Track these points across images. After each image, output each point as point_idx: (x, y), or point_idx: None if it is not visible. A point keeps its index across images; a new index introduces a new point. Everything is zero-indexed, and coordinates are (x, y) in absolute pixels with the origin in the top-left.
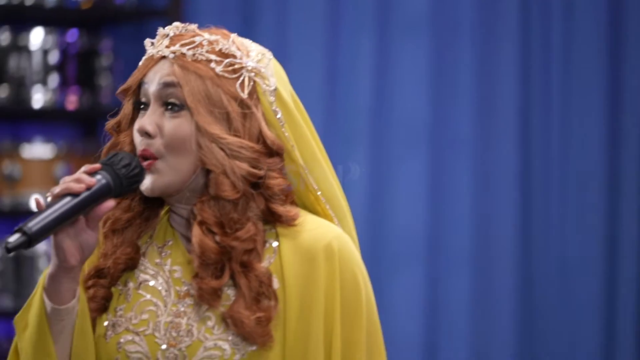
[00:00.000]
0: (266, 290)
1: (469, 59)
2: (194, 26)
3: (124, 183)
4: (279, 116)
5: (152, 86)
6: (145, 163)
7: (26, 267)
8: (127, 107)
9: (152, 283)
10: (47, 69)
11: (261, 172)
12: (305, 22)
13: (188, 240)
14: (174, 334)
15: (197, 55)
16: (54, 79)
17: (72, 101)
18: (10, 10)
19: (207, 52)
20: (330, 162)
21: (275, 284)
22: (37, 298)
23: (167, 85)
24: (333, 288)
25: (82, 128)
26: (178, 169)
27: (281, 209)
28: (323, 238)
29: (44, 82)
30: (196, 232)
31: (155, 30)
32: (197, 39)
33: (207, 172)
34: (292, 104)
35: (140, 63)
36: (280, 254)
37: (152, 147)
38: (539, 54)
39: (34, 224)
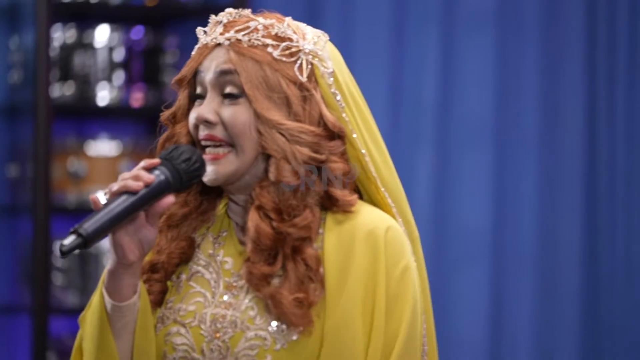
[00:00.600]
0: (313, 275)
1: (534, 55)
2: (247, 11)
3: (183, 178)
4: (338, 98)
5: (208, 74)
6: (214, 153)
7: (91, 264)
8: (182, 97)
9: (203, 274)
10: (112, 66)
11: (322, 157)
12: (371, 17)
13: (243, 230)
14: (219, 326)
15: (252, 40)
16: (119, 77)
17: (137, 98)
18: (75, 8)
19: (262, 36)
20: (388, 152)
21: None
22: (97, 296)
23: (223, 73)
24: (376, 279)
25: (147, 125)
26: (242, 157)
27: (339, 193)
28: (365, 225)
29: (109, 80)
30: (253, 216)
31: None
32: (252, 24)
33: (267, 157)
34: (352, 87)
35: (193, 52)
36: (324, 241)
37: (218, 133)
38: (605, 51)
39: (89, 225)
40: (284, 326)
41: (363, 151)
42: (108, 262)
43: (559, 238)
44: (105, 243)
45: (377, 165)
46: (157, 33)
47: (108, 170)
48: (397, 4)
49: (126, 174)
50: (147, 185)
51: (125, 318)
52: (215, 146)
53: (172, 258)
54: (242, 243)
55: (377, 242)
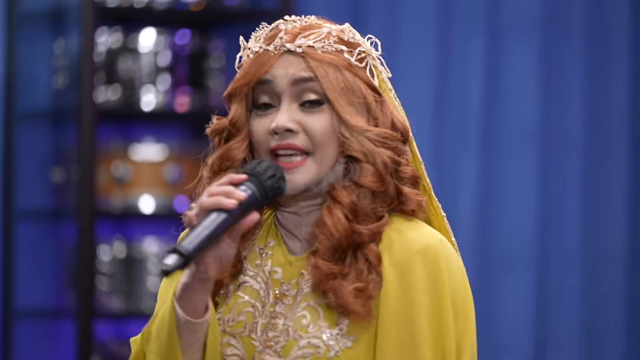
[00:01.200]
0: (374, 269)
1: (580, 59)
2: (312, 18)
3: (269, 195)
4: (397, 102)
5: (281, 82)
6: (290, 162)
7: (135, 269)
8: (237, 110)
9: (251, 285)
10: (157, 70)
11: (402, 160)
12: (416, 20)
13: (294, 239)
14: (270, 335)
15: (325, 47)
16: (164, 81)
17: (182, 103)
18: (121, 12)
19: (334, 42)
20: None
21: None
22: (166, 310)
23: (302, 80)
24: (441, 291)
25: (193, 129)
26: (322, 163)
27: (409, 190)
28: (422, 240)
29: (154, 84)
30: (330, 214)
31: None
32: (323, 31)
33: (346, 161)
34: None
35: (246, 63)
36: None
37: (300, 142)
38: None
39: (188, 244)
40: (337, 333)
41: (418, 156)
42: (184, 276)
43: (604, 241)
44: (148, 247)
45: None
46: (202, 37)
47: (153, 175)
48: (442, 7)
49: (215, 190)
50: (239, 203)
51: (196, 334)
52: (289, 155)
53: (223, 273)
54: (293, 252)
55: (436, 257)
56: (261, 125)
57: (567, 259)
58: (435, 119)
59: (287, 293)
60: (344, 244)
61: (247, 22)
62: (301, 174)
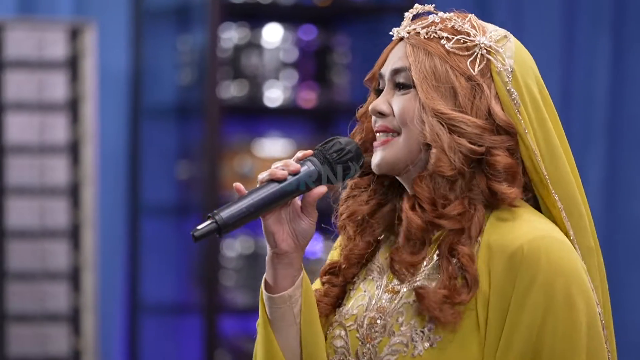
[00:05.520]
0: (467, 275)
1: None
2: (431, 6)
3: (335, 169)
4: (514, 96)
5: (387, 68)
6: (382, 140)
7: (261, 264)
8: (371, 97)
9: (374, 278)
10: (282, 66)
11: (481, 149)
12: (541, 15)
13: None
14: (372, 330)
15: (430, 33)
16: (289, 76)
17: (307, 98)
18: (246, 8)
19: (440, 29)
20: (573, 161)
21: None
22: (261, 288)
23: (396, 71)
24: (536, 298)
25: (318, 124)
26: (407, 145)
27: (500, 187)
28: (518, 239)
29: (279, 79)
30: (405, 207)
31: (391, 26)
32: (431, 17)
33: (429, 149)
34: (536, 90)
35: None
36: (481, 243)
37: (390, 123)
38: None
39: (225, 212)
40: (425, 333)
41: (534, 149)
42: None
43: None
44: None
45: (549, 168)
46: (327, 33)
47: None
48: (567, 5)
49: (278, 163)
50: (294, 174)
51: (280, 310)
52: (386, 134)
53: (350, 259)
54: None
55: (532, 260)
56: (370, 108)
57: None
58: (560, 115)
59: (397, 288)
60: (419, 236)
61: (372, 18)
62: (386, 151)
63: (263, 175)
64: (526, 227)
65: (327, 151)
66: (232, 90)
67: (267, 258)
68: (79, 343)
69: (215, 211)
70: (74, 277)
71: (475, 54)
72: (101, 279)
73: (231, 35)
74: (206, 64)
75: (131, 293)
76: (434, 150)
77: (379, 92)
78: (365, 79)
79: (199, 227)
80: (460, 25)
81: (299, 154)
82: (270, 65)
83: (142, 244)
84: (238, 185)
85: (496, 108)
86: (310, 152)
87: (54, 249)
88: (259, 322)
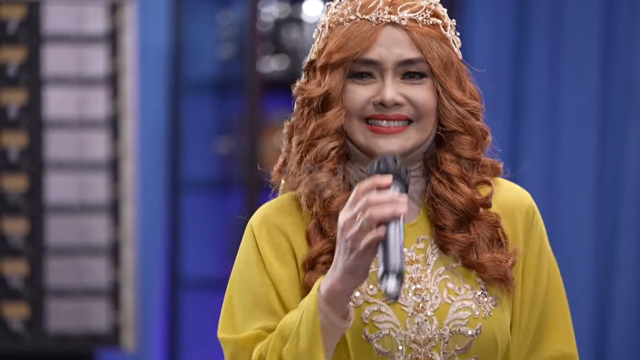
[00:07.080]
0: (499, 234)
1: None
2: None
3: (407, 191)
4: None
5: (387, 63)
6: (396, 127)
7: None
8: (334, 80)
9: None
10: None
11: (488, 129)
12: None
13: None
14: (418, 300)
15: (425, 20)
16: None
17: None
18: None
19: (431, 16)
20: None
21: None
22: (307, 315)
23: (410, 62)
24: (535, 247)
25: None
26: (424, 131)
27: (492, 160)
28: (524, 199)
29: None
30: (446, 184)
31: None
32: (423, 3)
33: (437, 130)
34: None
35: (339, 30)
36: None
37: (406, 112)
38: None
39: (397, 262)
40: (483, 295)
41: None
42: (335, 282)
43: None
44: None
45: None
46: None
47: None
48: None
49: (375, 199)
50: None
51: (340, 335)
52: (399, 122)
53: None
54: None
55: (535, 217)
56: (360, 94)
57: None
58: (600, 90)
59: (414, 259)
60: (469, 214)
61: None
62: (402, 140)
63: (378, 216)
64: (518, 189)
65: (403, 176)
66: (272, 65)
67: (341, 289)
68: (119, 318)
69: (390, 268)
70: (114, 252)
71: (452, 36)
72: (141, 254)
73: (271, 9)
74: (246, 39)
75: (171, 268)
76: (459, 135)
77: (356, 75)
78: (333, 60)
79: (391, 288)
80: (441, 10)
81: (377, 182)
82: (310, 40)
83: (182, 219)
84: (381, 235)
85: (472, 87)
86: (389, 181)
87: (94, 224)
88: (303, 344)
